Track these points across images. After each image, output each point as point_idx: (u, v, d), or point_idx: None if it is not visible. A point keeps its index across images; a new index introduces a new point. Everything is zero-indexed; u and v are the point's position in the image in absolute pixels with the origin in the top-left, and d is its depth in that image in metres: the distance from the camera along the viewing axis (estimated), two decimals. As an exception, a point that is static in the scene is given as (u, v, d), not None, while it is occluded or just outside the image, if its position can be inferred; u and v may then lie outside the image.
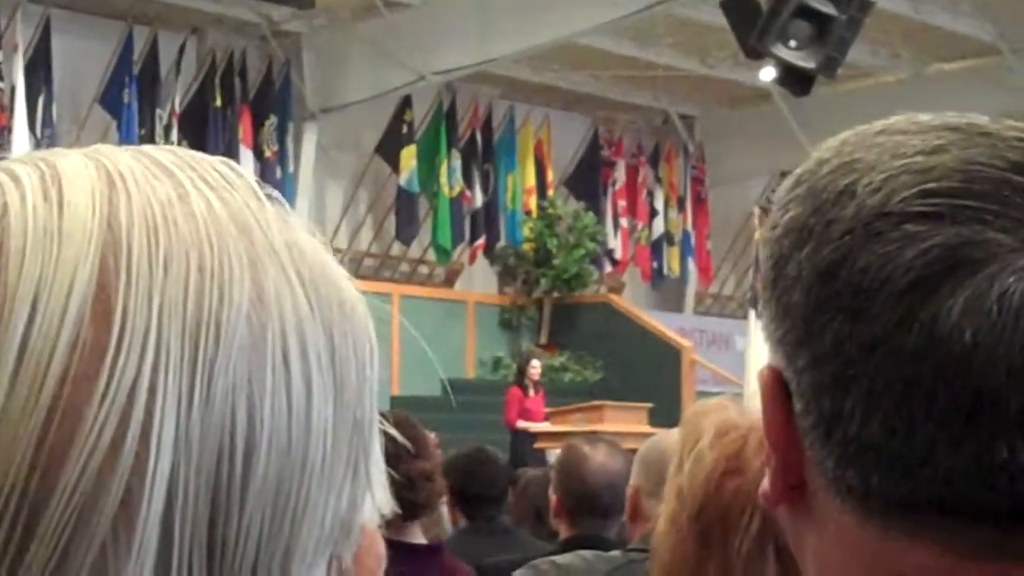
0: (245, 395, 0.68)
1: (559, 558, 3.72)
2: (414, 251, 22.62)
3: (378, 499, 0.76)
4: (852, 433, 0.92)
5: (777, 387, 0.97)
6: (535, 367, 18.04)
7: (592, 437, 5.61)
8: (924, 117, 0.98)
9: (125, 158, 0.72)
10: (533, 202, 23.31)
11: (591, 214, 23.33)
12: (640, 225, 24.94)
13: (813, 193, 0.96)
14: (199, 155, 0.74)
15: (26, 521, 0.65)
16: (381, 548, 0.78)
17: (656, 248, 25.02)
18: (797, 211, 0.96)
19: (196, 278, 0.68)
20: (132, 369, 0.66)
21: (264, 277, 0.70)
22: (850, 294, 0.92)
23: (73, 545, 0.65)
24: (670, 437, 3.22)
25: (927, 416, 0.89)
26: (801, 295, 0.94)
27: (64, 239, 0.68)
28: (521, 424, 17.25)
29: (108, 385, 0.66)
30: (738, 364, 20.35)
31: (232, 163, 0.75)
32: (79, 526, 0.65)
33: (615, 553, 3.59)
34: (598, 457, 4.74)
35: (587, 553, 3.65)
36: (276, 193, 0.75)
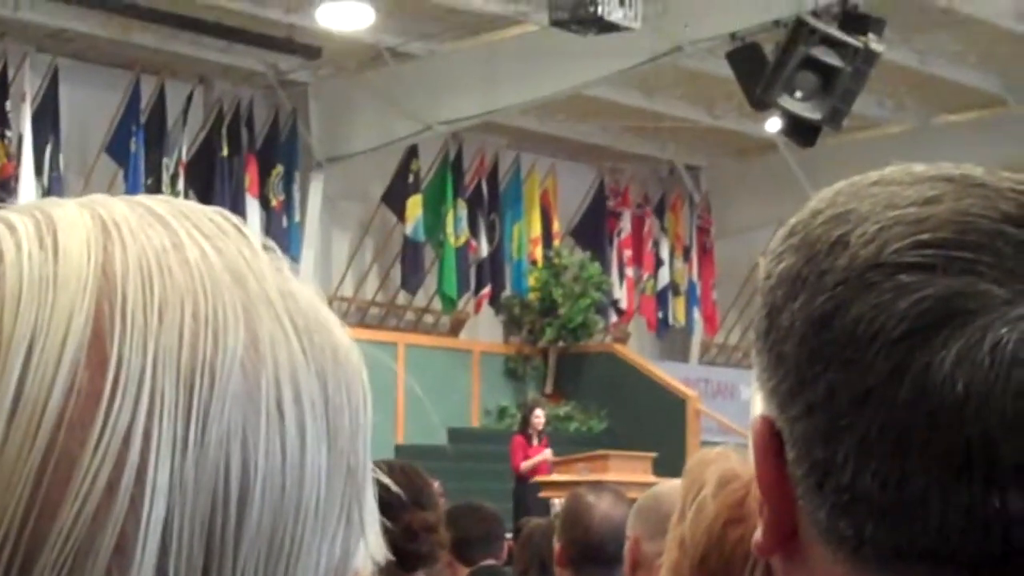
0: (239, 441, 0.69)
1: (562, 608, 3.71)
2: (420, 300, 22.61)
3: (371, 546, 0.76)
4: (845, 483, 0.92)
5: (769, 436, 0.97)
6: (538, 416, 18.02)
7: (597, 486, 5.60)
8: (919, 167, 0.98)
9: (120, 207, 0.73)
10: (539, 252, 23.32)
11: (597, 264, 23.34)
12: (646, 275, 24.93)
13: (807, 243, 0.96)
14: (193, 204, 0.75)
15: (22, 565, 0.65)
16: (374, 596, 0.78)
17: (661, 298, 25.01)
18: (791, 261, 0.96)
19: (191, 325, 0.69)
20: (127, 415, 0.67)
21: (258, 325, 0.71)
22: (843, 344, 0.91)
23: (69, 589, 0.65)
24: (665, 486, 3.22)
25: (920, 466, 0.89)
26: (794, 345, 0.94)
27: (59, 286, 0.68)
28: (525, 465, 17.22)
29: (103, 430, 0.66)
30: (743, 414, 20.32)
31: (226, 212, 0.75)
32: (74, 570, 0.66)
33: (618, 603, 3.58)
34: (603, 506, 4.73)
35: (590, 603, 3.64)
36: (271, 242, 0.75)
